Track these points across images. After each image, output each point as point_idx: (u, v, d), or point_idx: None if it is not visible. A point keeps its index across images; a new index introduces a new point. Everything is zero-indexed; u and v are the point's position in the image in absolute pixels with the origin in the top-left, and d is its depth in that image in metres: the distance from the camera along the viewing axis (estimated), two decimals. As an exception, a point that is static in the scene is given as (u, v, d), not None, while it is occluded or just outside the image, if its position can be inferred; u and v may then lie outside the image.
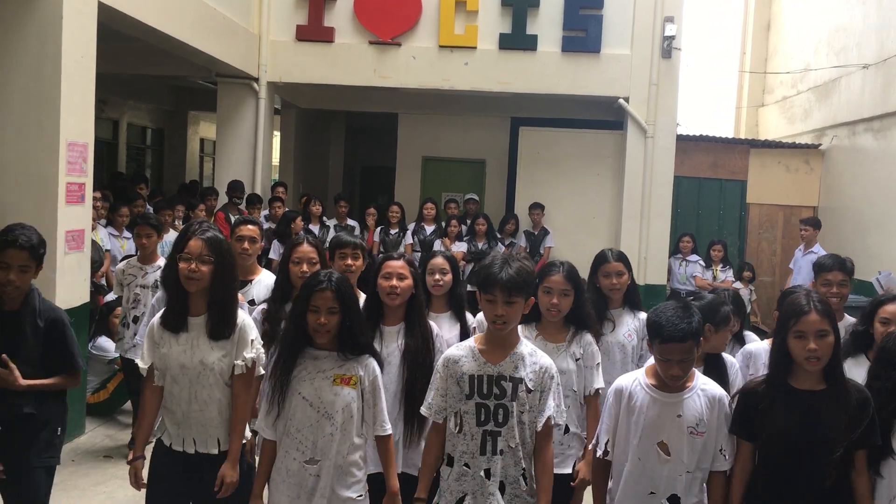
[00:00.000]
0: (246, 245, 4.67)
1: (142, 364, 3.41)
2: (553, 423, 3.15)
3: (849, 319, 4.55)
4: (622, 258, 4.31)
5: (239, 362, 3.35)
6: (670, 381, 3.08)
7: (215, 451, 3.37)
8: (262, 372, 3.47)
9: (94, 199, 6.98)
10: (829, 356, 3.00)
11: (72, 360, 3.67)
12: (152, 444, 3.46)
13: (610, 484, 3.31)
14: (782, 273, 9.82)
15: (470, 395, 3.10)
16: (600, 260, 4.33)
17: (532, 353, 3.17)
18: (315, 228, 9.63)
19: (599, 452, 3.25)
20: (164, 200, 9.52)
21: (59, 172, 5.75)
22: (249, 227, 4.77)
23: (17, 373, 3.46)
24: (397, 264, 3.74)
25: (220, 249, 3.36)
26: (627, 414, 3.16)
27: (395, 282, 3.69)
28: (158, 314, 3.45)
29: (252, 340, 3.40)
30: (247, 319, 3.46)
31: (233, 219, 8.48)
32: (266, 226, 9.49)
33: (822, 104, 12.14)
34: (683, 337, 3.00)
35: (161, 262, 5.74)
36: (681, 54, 10.24)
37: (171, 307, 3.38)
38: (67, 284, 5.92)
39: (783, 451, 3.02)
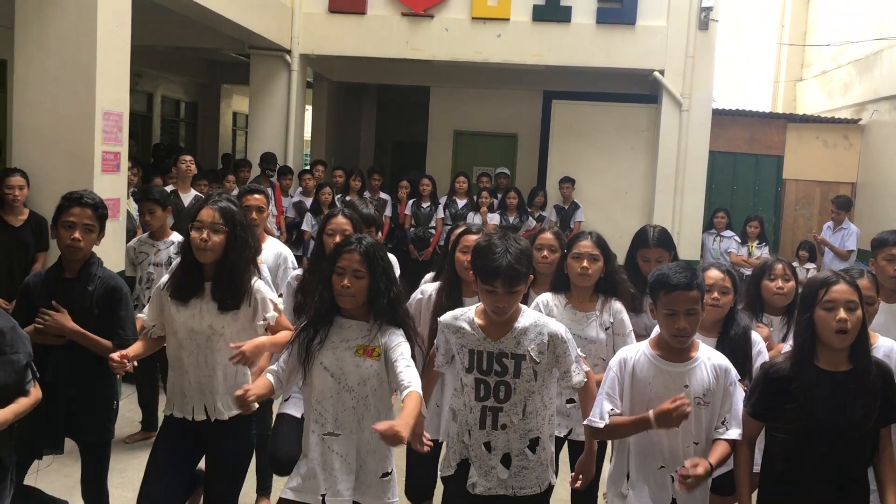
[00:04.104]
0: (254, 215, 4.46)
1: (144, 317, 3.40)
2: (578, 384, 3.11)
3: None
4: (663, 243, 4.16)
5: (260, 322, 3.40)
6: (677, 340, 2.96)
7: (224, 418, 3.38)
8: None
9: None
10: (857, 332, 2.86)
11: (120, 332, 3.60)
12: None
13: (610, 465, 3.21)
14: (818, 250, 9.65)
15: (469, 370, 3.04)
16: (641, 241, 4.20)
17: (535, 324, 3.03)
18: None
19: (603, 423, 3.01)
20: (199, 173, 9.57)
21: (94, 141, 5.80)
22: (256, 196, 4.54)
23: (67, 315, 3.50)
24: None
25: (234, 220, 3.34)
26: (633, 385, 3.03)
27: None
28: (166, 276, 3.49)
29: (270, 302, 3.43)
30: (261, 286, 3.46)
31: (268, 192, 8.46)
32: (297, 199, 9.53)
33: (863, 78, 11.86)
34: (689, 284, 2.91)
35: (174, 237, 5.69)
36: (718, 26, 10.05)
37: (183, 275, 3.37)
38: (103, 253, 5.72)
39: (810, 434, 2.87)
